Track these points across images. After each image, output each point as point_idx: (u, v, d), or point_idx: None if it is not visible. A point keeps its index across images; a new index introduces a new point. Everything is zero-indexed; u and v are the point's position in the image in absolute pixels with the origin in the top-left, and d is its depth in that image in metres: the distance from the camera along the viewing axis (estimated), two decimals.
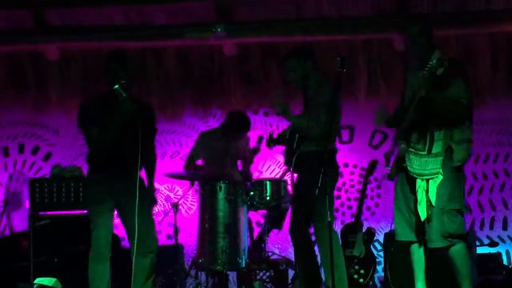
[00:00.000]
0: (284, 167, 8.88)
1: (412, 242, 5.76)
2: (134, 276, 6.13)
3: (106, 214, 6.23)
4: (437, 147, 5.54)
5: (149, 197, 6.40)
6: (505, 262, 8.55)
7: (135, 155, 6.08)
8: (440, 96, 5.53)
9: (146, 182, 6.41)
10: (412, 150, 5.61)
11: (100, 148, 6.23)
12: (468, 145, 5.66)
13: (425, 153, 5.56)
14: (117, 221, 6.41)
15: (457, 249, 5.59)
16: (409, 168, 5.62)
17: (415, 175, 5.59)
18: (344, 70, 5.94)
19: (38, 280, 6.62)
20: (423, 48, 5.70)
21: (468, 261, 5.62)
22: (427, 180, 5.54)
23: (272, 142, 6.88)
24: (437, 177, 5.51)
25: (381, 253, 8.20)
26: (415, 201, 5.61)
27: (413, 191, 5.63)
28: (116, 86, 6.05)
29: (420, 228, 5.65)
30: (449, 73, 5.56)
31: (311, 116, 6.40)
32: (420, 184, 5.57)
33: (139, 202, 6.05)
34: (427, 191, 5.53)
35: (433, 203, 5.49)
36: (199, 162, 8.48)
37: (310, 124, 6.36)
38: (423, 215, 5.54)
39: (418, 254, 5.77)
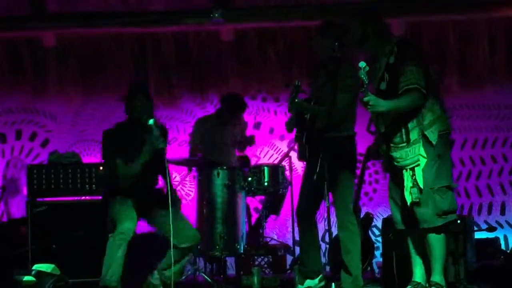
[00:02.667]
0: (283, 153, 8.89)
1: (408, 230, 5.78)
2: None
3: (132, 214, 6.31)
4: (413, 135, 5.56)
5: (174, 200, 6.47)
6: (503, 247, 8.56)
7: (155, 177, 6.48)
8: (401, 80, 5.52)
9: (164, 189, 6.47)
10: (393, 145, 5.63)
11: (125, 180, 6.31)
12: (442, 119, 5.62)
13: (405, 144, 5.58)
14: None
15: None
16: (394, 162, 5.65)
17: (400, 167, 5.61)
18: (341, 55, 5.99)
19: (36, 266, 6.62)
20: (364, 40, 5.73)
21: (443, 243, 5.62)
22: (412, 168, 5.55)
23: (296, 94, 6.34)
24: (419, 162, 5.52)
25: (379, 239, 8.21)
26: (403, 189, 5.63)
27: (401, 181, 5.64)
28: (151, 121, 6.17)
29: (411, 214, 5.65)
30: (400, 59, 5.55)
31: (333, 99, 6.23)
32: (405, 173, 5.58)
33: (167, 208, 6.18)
34: (413, 176, 5.53)
35: (422, 186, 5.50)
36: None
37: (333, 111, 6.23)
38: (408, 200, 5.55)
39: (414, 240, 5.78)
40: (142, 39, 9.11)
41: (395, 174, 5.75)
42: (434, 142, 5.55)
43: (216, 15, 8.35)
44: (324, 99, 6.26)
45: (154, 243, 6.98)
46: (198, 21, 8.59)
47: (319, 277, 6.49)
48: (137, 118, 6.30)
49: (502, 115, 9.09)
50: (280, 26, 8.92)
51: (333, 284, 5.99)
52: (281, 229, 9.06)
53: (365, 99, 5.38)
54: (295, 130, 6.55)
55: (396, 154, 5.62)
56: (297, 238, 8.15)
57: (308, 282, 6.50)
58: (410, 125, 5.56)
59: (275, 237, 8.86)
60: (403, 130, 5.58)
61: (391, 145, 5.65)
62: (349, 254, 6.34)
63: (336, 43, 6.16)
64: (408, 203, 5.58)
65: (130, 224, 6.22)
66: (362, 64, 5.38)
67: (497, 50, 8.96)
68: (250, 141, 8.55)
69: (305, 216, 6.49)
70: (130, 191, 6.33)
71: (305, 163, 6.60)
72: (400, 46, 5.65)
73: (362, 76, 5.36)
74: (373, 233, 8.71)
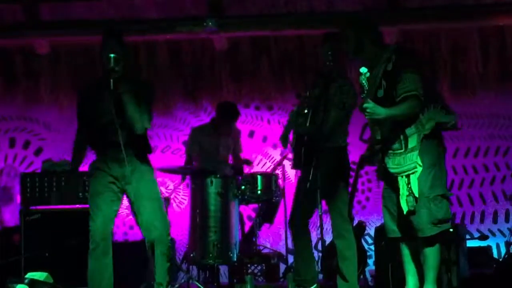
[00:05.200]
0: (276, 161, 8.90)
1: (402, 238, 5.78)
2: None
3: (104, 205, 6.02)
4: (412, 142, 5.54)
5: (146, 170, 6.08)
6: (495, 255, 8.59)
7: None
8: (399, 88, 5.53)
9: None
10: (391, 152, 5.63)
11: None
12: (449, 118, 5.64)
13: (402, 150, 5.56)
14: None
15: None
16: (390, 169, 5.64)
17: (396, 174, 5.60)
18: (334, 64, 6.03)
19: (30, 275, 6.61)
20: (361, 48, 5.72)
21: (437, 253, 5.62)
22: (408, 176, 5.55)
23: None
24: (416, 170, 5.53)
25: (372, 247, 8.23)
26: (398, 197, 5.63)
27: (397, 189, 5.64)
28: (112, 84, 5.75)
29: (405, 223, 5.65)
30: (397, 66, 5.55)
31: (325, 115, 6.31)
32: (401, 180, 5.58)
33: (140, 184, 5.93)
34: (408, 184, 5.54)
35: (417, 194, 5.50)
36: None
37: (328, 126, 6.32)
38: (404, 209, 5.55)
39: (407, 249, 5.79)
40: (135, 47, 9.11)
41: (390, 182, 5.74)
42: (438, 149, 5.58)
43: (210, 23, 8.38)
44: (319, 110, 6.32)
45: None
46: (191, 29, 8.62)
47: (314, 286, 6.51)
48: (108, 70, 5.79)
49: (494, 124, 9.12)
50: (273, 35, 8.95)
51: None
52: (274, 237, 9.07)
53: (364, 105, 5.38)
54: (291, 137, 6.59)
55: (392, 160, 5.61)
56: (290, 246, 8.17)
57: None
58: (408, 131, 5.55)
59: (268, 245, 8.87)
60: (402, 137, 5.57)
61: (389, 151, 5.64)
62: (346, 261, 6.38)
63: (329, 52, 6.22)
64: (404, 212, 5.58)
65: (98, 224, 6.03)
66: (363, 69, 5.39)
67: (489, 58, 8.99)
68: (247, 162, 8.59)
69: (299, 225, 6.50)
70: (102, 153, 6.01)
71: (299, 172, 6.64)
72: (398, 53, 5.64)
73: (363, 81, 5.38)
74: (366, 241, 8.73)
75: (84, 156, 6.22)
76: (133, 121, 5.84)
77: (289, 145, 6.62)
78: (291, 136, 6.57)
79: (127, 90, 5.79)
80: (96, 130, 5.99)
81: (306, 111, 6.32)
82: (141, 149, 6.03)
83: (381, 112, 5.45)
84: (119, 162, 5.88)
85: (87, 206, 7.30)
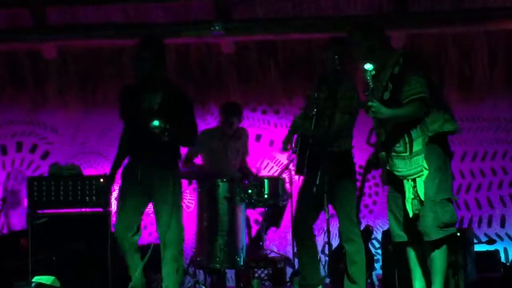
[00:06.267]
0: (283, 165, 8.90)
1: (408, 242, 5.77)
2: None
3: (128, 207, 6.16)
4: (417, 145, 5.53)
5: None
6: (502, 259, 8.56)
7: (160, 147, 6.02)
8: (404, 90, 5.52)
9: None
10: (395, 154, 5.61)
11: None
12: (450, 122, 5.63)
13: (407, 154, 5.54)
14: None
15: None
16: (395, 172, 5.62)
17: (402, 177, 5.59)
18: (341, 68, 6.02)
19: (36, 279, 6.62)
20: (371, 52, 5.71)
21: (444, 256, 5.61)
22: (414, 179, 5.54)
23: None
24: (422, 173, 5.52)
25: (379, 251, 8.22)
26: (403, 200, 5.61)
27: (402, 192, 5.63)
28: (155, 123, 5.77)
29: (411, 226, 5.64)
30: (405, 69, 5.55)
31: (331, 118, 6.34)
32: (406, 183, 5.57)
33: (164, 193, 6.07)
34: (414, 187, 5.53)
35: (423, 198, 5.49)
36: (197, 160, 8.47)
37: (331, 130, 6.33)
38: (410, 212, 5.54)
39: (414, 252, 5.78)
40: None
41: (395, 186, 5.73)
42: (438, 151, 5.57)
43: (217, 27, 8.38)
44: (325, 114, 6.32)
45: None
46: (198, 33, 8.62)
47: None
48: (142, 78, 6.04)
49: (502, 128, 9.10)
50: (280, 39, 8.96)
51: None
52: (281, 241, 9.06)
53: (369, 103, 5.37)
54: (294, 143, 6.58)
55: (397, 163, 5.59)
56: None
57: None
58: (414, 134, 5.54)
59: (275, 249, 8.86)
60: (407, 139, 5.56)
61: (393, 154, 5.62)
62: (355, 265, 6.38)
63: (336, 56, 6.22)
64: (410, 215, 5.57)
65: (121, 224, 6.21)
66: (370, 67, 5.37)
67: (496, 63, 8.99)
68: (255, 176, 8.58)
69: (303, 230, 6.51)
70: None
71: (302, 177, 6.62)
72: (406, 57, 5.65)
73: (369, 78, 5.36)
74: (373, 245, 8.71)
75: (123, 159, 6.36)
76: (182, 142, 6.22)
77: (294, 149, 6.61)
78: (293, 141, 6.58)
79: (170, 122, 5.84)
80: (130, 135, 6.21)
81: (314, 112, 6.31)
82: (170, 157, 6.19)
83: (385, 111, 5.44)
84: (148, 167, 6.01)
85: (94, 210, 7.39)
